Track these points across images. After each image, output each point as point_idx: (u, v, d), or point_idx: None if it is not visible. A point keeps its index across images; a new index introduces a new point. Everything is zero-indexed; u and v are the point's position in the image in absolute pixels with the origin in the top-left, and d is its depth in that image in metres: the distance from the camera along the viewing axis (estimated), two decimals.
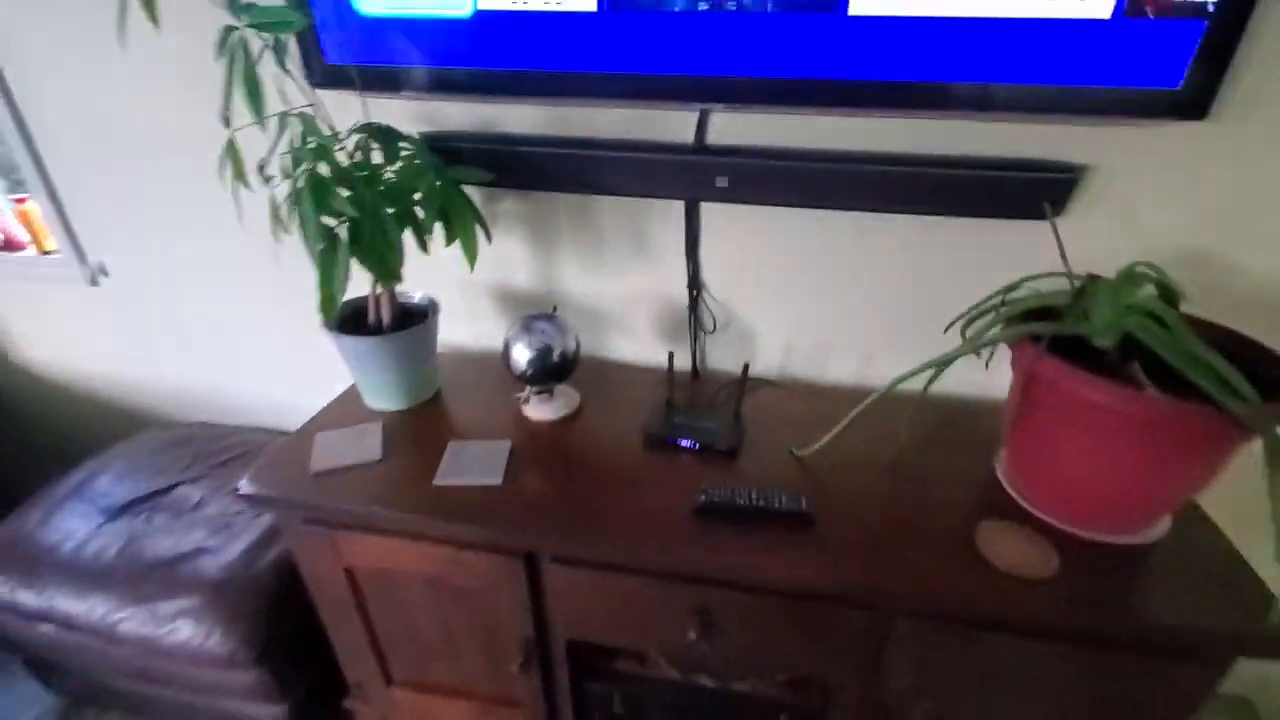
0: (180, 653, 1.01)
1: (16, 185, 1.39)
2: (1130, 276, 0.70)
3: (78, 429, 1.60)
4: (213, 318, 1.34)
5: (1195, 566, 0.75)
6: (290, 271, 1.20)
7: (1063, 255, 0.76)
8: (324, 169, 0.79)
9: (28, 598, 1.07)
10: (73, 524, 1.15)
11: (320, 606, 0.99)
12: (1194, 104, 0.76)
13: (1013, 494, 0.84)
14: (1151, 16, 0.72)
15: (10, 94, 1.15)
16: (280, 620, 1.05)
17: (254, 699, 1.10)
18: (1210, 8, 0.71)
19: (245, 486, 0.85)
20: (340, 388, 1.09)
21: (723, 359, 1.16)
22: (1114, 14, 0.72)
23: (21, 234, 1.37)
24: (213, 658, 1.00)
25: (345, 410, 1.02)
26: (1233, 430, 0.63)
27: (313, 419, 0.99)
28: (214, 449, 1.33)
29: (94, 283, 1.33)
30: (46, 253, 1.36)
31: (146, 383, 1.49)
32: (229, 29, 0.68)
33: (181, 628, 1.01)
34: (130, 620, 1.03)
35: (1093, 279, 0.71)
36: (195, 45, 1.00)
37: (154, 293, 1.33)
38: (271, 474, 0.88)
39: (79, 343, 1.46)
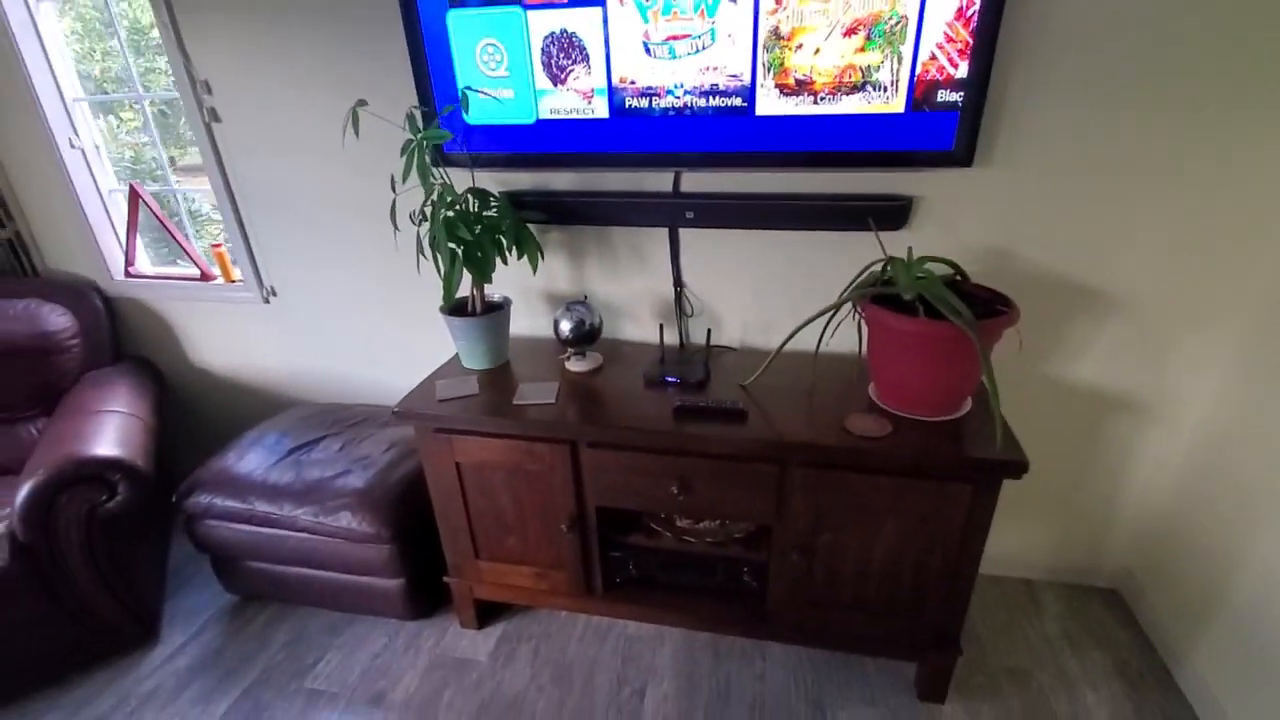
0: (341, 533, 1.53)
1: (216, 234, 2.00)
2: (918, 260, 1.21)
3: (240, 412, 2.16)
4: (346, 323, 1.91)
5: (975, 428, 1.23)
6: (408, 288, 1.77)
7: (882, 249, 1.28)
8: (450, 213, 1.35)
9: (236, 504, 1.59)
10: (258, 461, 1.69)
11: (436, 498, 1.50)
12: (963, 158, 1.29)
13: (875, 400, 1.34)
14: (928, 110, 1.26)
15: (225, 172, 1.76)
16: (405, 514, 1.56)
17: (384, 573, 1.60)
18: (959, 105, 1.25)
19: (399, 407, 1.38)
20: (431, 370, 1.63)
21: (699, 335, 1.68)
22: (906, 110, 1.27)
23: (214, 269, 1.96)
24: (363, 535, 1.52)
25: (449, 371, 1.55)
26: (967, 336, 1.13)
27: (431, 374, 1.53)
28: (345, 416, 1.87)
29: (266, 301, 1.91)
30: (232, 281, 1.95)
31: (293, 374, 2.05)
32: (409, 141, 1.26)
33: (343, 516, 1.52)
34: (308, 513, 1.54)
35: (892, 259, 1.23)
36: (360, 144, 1.60)
37: (307, 307, 1.91)
38: (413, 403, 1.41)
39: (248, 347, 2.03)
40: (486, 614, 1.70)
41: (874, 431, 1.22)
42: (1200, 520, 1.46)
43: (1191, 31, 1.17)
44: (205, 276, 1.98)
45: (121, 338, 2.09)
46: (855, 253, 1.49)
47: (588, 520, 1.44)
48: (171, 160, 1.99)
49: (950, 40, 1.19)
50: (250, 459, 1.71)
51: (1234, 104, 1.20)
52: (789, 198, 1.45)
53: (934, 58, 1.21)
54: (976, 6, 1.16)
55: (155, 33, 1.73)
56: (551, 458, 1.36)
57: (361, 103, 1.29)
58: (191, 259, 1.97)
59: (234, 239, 1.84)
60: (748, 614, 1.48)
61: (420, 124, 1.27)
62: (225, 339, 2.05)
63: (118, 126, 2.00)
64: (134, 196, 1.91)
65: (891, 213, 1.40)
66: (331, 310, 1.90)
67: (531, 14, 1.30)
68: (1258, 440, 1.31)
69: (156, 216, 1.94)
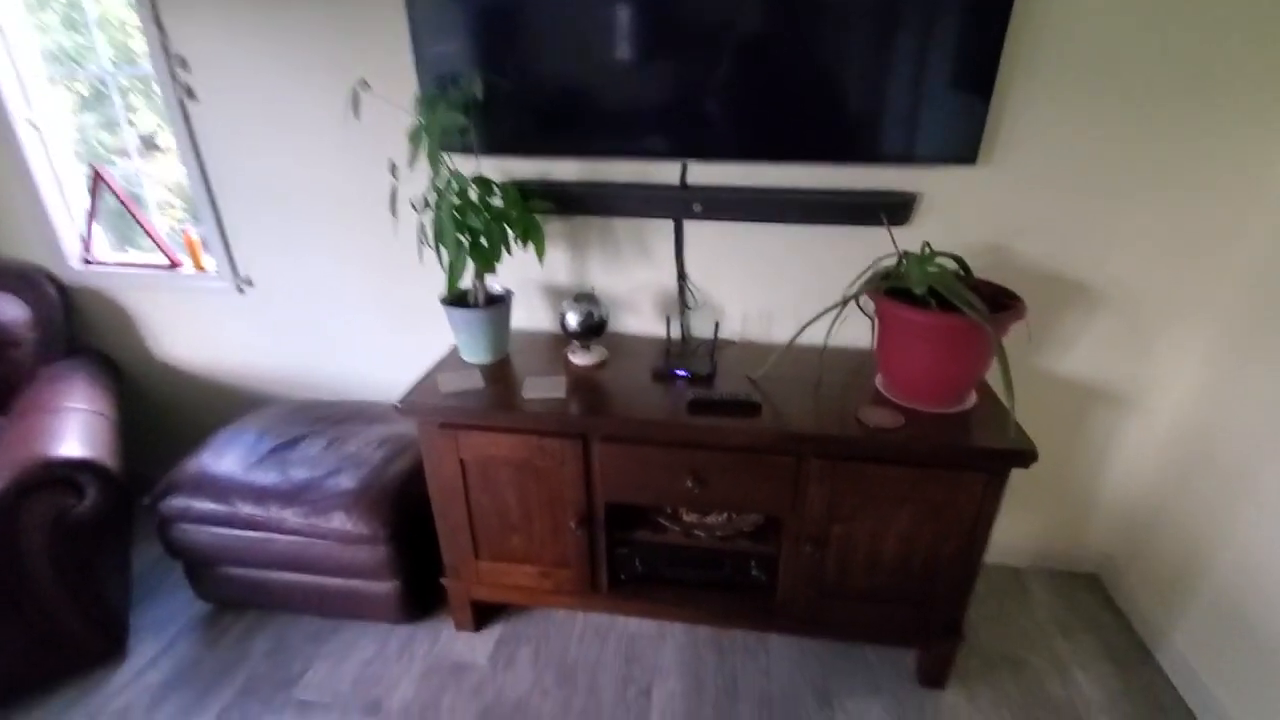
0: (335, 534, 1.45)
1: (192, 219, 1.88)
2: (929, 255, 1.24)
3: (212, 411, 2.04)
4: (330, 315, 1.82)
5: (986, 421, 1.26)
6: (402, 278, 1.71)
7: (894, 243, 1.30)
8: (458, 202, 1.30)
9: (217, 506, 1.50)
10: (237, 460, 1.60)
11: (435, 496, 1.44)
12: (967, 156, 1.32)
13: (883, 391, 1.36)
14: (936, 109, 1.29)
15: (200, 154, 1.66)
16: (401, 514, 1.49)
17: (378, 577, 1.53)
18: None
19: (402, 402, 1.33)
20: (425, 365, 1.57)
21: (702, 327, 1.67)
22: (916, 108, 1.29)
23: (184, 257, 1.84)
24: (358, 536, 1.45)
25: (449, 365, 1.50)
26: (981, 330, 1.16)
27: (432, 367, 1.47)
28: (329, 413, 1.79)
29: (240, 291, 1.81)
30: (201, 270, 1.84)
31: (267, 369, 1.95)
32: (418, 125, 1.21)
33: (336, 517, 1.45)
34: (297, 514, 1.46)
35: (905, 254, 1.25)
36: (352, 126, 1.53)
37: (286, 297, 1.81)
38: (415, 398, 1.35)
39: (219, 340, 1.92)
40: (483, 616, 1.65)
41: (888, 423, 1.24)
42: (1179, 504, 1.54)
43: (1187, 45, 1.23)
44: (173, 265, 1.86)
45: (76, 331, 1.94)
46: (857, 247, 1.51)
47: (596, 517, 1.41)
48: (147, 142, 1.86)
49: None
50: (229, 458, 1.61)
51: (1221, 111, 1.27)
52: (796, 192, 1.46)
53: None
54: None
55: (116, 5, 1.63)
56: (563, 453, 1.33)
57: (364, 84, 1.24)
58: (159, 246, 1.85)
59: (207, 225, 1.74)
60: (755, 607, 1.48)
61: (432, 106, 1.22)
62: (194, 332, 1.93)
63: (79, 106, 1.86)
64: (96, 179, 1.78)
65: (896, 208, 1.43)
66: (312, 302, 1.81)
67: None
68: (1235, 426, 1.38)
69: (121, 201, 1.81)
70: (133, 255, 1.93)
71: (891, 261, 1.31)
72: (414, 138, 1.21)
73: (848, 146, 1.33)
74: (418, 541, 1.56)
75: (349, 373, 1.91)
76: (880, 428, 1.23)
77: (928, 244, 1.25)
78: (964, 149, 1.32)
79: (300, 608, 1.65)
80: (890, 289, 1.26)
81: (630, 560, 1.50)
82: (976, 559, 1.30)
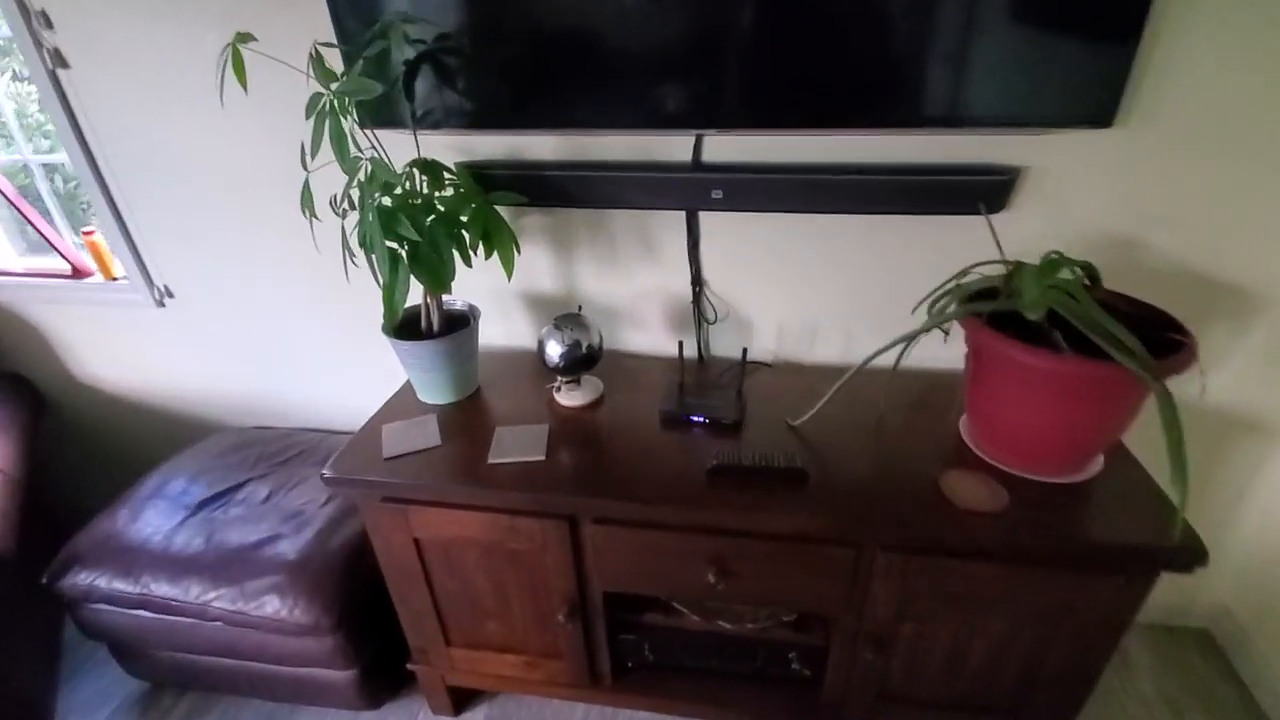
0: (268, 624, 1.17)
1: (88, 218, 1.55)
2: (1050, 263, 0.86)
3: (139, 442, 1.75)
4: (265, 332, 1.50)
5: (1121, 497, 0.91)
6: (342, 289, 1.36)
7: (998, 245, 0.92)
8: (387, 201, 0.95)
9: (126, 586, 1.22)
10: (158, 520, 1.30)
11: (389, 577, 1.14)
12: (1102, 116, 0.93)
13: (971, 446, 1.01)
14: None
15: (86, 140, 1.31)
16: (352, 593, 1.20)
17: (330, 665, 1.25)
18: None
19: (329, 472, 1.01)
20: (381, 388, 1.25)
21: (724, 346, 1.32)
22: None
23: (89, 263, 1.52)
24: (297, 626, 1.16)
25: (401, 406, 1.17)
26: (1132, 381, 0.80)
27: (375, 415, 1.15)
28: (274, 450, 1.48)
29: (159, 304, 1.49)
30: (113, 279, 1.51)
31: (205, 394, 1.64)
32: (318, 95, 0.84)
33: (269, 602, 1.16)
34: (222, 599, 1.18)
35: (1019, 265, 0.87)
36: (264, 99, 1.16)
37: (212, 312, 1.49)
38: (350, 461, 1.03)
39: (142, 359, 1.61)
40: (464, 696, 1.37)
41: (987, 504, 0.89)
42: None
43: None
44: (79, 273, 1.53)
45: None
46: (930, 242, 1.13)
47: (592, 606, 1.10)
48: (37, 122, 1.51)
49: None
50: (147, 517, 1.32)
51: None
52: (849, 170, 1.07)
53: None
54: None
55: None
56: (544, 536, 1.01)
57: (244, 38, 0.87)
58: (58, 251, 1.52)
59: (104, 223, 1.40)
60: (795, 705, 1.17)
61: (333, 69, 0.85)
62: (117, 352, 1.62)
63: None
64: None
65: (987, 191, 1.04)
66: (246, 316, 1.48)
67: None
68: None
69: (7, 198, 1.47)
70: (33, 263, 1.61)
71: (986, 267, 0.95)
72: (315, 112, 0.85)
73: (924, 106, 0.94)
74: (378, 619, 1.27)
75: (298, 397, 1.60)
76: (974, 510, 0.89)
77: (1058, 253, 0.86)
78: (1098, 105, 0.92)
79: (247, 691, 1.38)
80: (992, 313, 0.89)
81: (638, 647, 1.20)
82: (1096, 671, 0.98)
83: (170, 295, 1.48)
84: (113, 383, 1.67)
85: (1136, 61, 0.90)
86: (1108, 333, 0.79)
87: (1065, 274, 0.88)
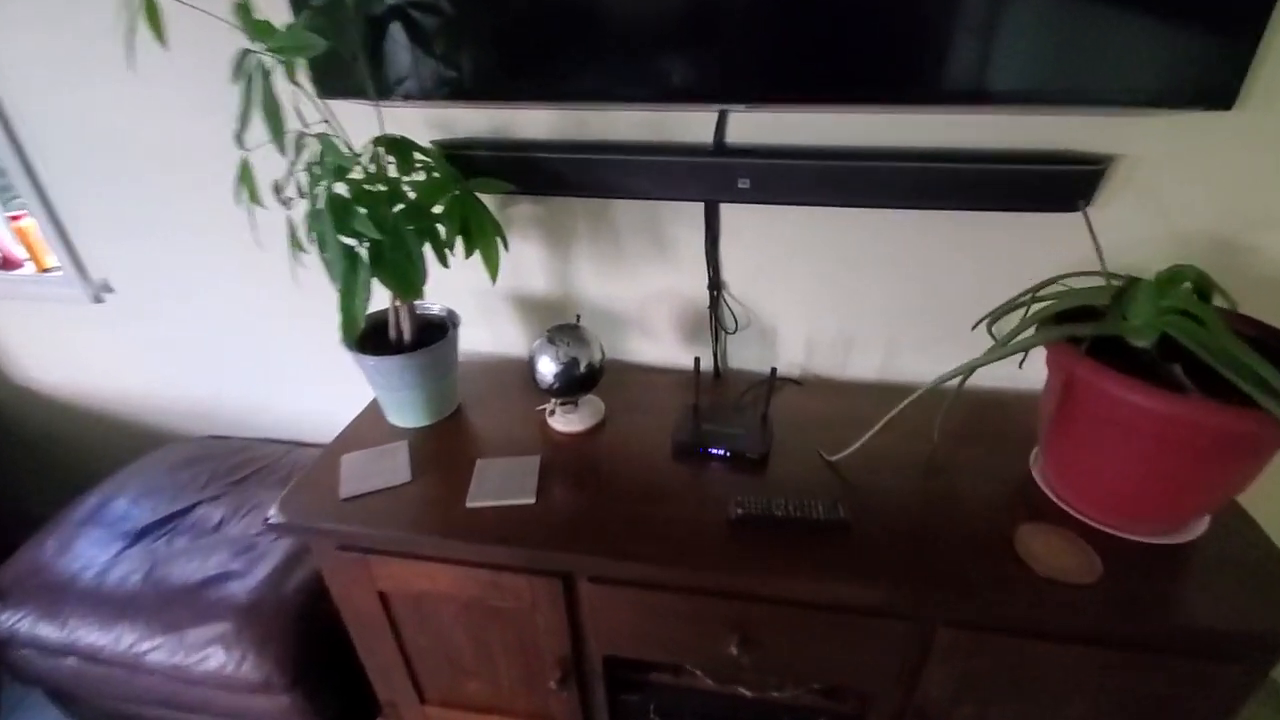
0: (212, 680, 1.01)
1: (12, 201, 1.36)
2: (1172, 277, 0.69)
3: (85, 449, 1.58)
4: (219, 332, 1.32)
5: (1236, 566, 0.75)
6: (302, 285, 1.18)
7: (1099, 254, 0.75)
8: (342, 188, 0.77)
9: (50, 631, 1.05)
10: (92, 551, 1.14)
11: (353, 629, 0.98)
12: (1220, 95, 0.75)
13: (1049, 493, 0.84)
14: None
15: (5, 115, 1.12)
16: (311, 643, 1.04)
17: None
18: None
19: (275, 516, 0.84)
20: (350, 392, 1.07)
21: (745, 358, 1.15)
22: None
23: (19, 251, 1.33)
24: (246, 684, 1.00)
25: (368, 428, 1.00)
26: (1277, 432, 0.63)
27: (336, 438, 0.97)
28: (229, 465, 1.31)
29: (98, 299, 1.30)
30: (46, 270, 1.33)
31: (153, 399, 1.47)
32: (246, 52, 0.66)
33: (213, 655, 1.00)
34: (159, 650, 1.01)
35: (1133, 281, 0.70)
36: (201, 62, 0.97)
37: (158, 308, 1.31)
38: (300, 500, 0.86)
39: (83, 360, 1.43)
40: None
41: (1075, 574, 0.72)
42: None
43: None
44: (9, 263, 1.35)
45: None
46: (989, 241, 0.96)
47: (589, 669, 0.94)
48: None
49: None
50: (80, 548, 1.15)
51: None
52: (901, 155, 0.89)
53: None
54: None
55: None
56: (532, 594, 0.84)
57: None
58: None
59: (30, 204, 1.21)
60: None
61: (269, 20, 0.66)
62: (55, 352, 1.44)
63: None
64: None
65: (1073, 181, 0.86)
66: (196, 313, 1.30)
67: None
68: None
69: None
70: None
71: (1076, 282, 0.77)
72: (242, 73, 0.66)
73: (1003, 77, 0.75)
74: (343, 669, 1.11)
75: (256, 403, 1.42)
76: (1058, 580, 0.72)
77: (1193, 273, 0.69)
78: (1217, 82, 0.74)
79: None
80: (1092, 340, 0.72)
81: (642, 709, 1.04)
82: None
83: (109, 289, 1.30)
84: (51, 386, 1.49)
85: (1270, 27, 0.72)
86: (1250, 370, 0.62)
87: (1184, 289, 0.70)
